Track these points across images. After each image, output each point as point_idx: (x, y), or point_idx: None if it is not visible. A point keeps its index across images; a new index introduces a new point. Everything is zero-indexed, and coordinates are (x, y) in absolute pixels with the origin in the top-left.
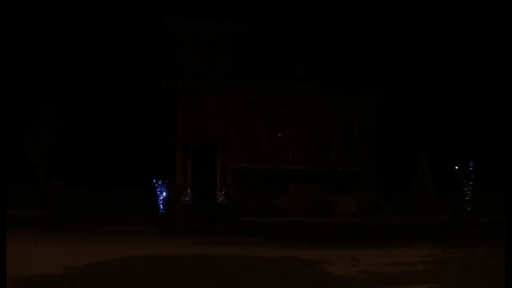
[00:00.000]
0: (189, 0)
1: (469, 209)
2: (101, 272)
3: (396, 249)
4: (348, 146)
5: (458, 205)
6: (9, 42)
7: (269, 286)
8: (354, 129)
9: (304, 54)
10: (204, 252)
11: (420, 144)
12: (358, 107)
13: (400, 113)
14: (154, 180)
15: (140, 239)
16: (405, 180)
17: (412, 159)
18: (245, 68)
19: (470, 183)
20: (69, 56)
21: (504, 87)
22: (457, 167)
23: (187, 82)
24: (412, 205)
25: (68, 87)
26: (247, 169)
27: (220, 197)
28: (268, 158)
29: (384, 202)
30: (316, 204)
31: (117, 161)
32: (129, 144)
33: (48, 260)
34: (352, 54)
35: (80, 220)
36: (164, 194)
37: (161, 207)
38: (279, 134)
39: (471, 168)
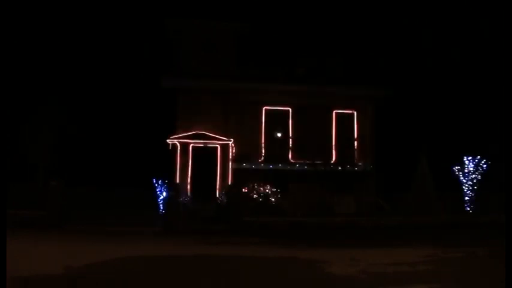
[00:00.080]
0: (189, 0)
1: (469, 209)
2: (101, 272)
3: (396, 249)
4: (348, 146)
5: (458, 205)
6: (10, 42)
7: (269, 286)
8: (354, 129)
9: (304, 54)
10: (204, 252)
11: (420, 144)
12: (358, 107)
13: (400, 113)
14: (154, 180)
15: (140, 239)
16: (405, 180)
17: (412, 159)
18: (245, 68)
19: (470, 183)
20: (70, 56)
21: (504, 87)
22: (457, 167)
23: (187, 82)
24: (412, 205)
25: (68, 87)
26: (247, 169)
27: (220, 197)
28: (268, 158)
29: (384, 202)
30: (316, 204)
31: (117, 161)
32: (129, 144)
33: (48, 260)
34: (352, 55)
35: (80, 220)
36: (164, 194)
37: (161, 207)
38: (279, 134)
39: (471, 169)
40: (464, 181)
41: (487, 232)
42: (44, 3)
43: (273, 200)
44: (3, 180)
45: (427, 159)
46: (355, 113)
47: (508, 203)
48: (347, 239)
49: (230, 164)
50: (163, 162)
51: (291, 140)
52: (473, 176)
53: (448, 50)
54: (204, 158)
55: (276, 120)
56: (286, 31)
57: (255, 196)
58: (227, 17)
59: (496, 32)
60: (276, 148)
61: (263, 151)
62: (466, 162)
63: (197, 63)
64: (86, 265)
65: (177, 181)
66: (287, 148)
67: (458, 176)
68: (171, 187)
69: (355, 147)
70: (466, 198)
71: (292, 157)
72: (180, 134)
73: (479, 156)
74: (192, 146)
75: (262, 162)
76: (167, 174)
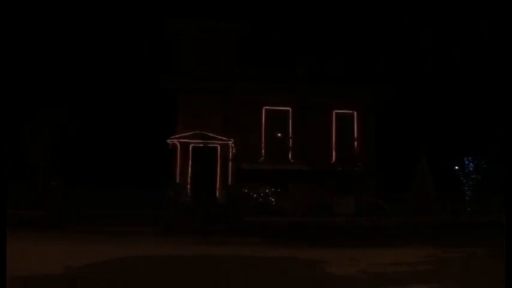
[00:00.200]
0: (189, 0)
1: (469, 209)
2: (101, 272)
3: (396, 249)
4: (348, 146)
5: (458, 205)
6: (10, 42)
7: (269, 286)
8: (354, 129)
9: (304, 54)
10: (204, 252)
11: (420, 144)
12: (358, 107)
13: (400, 113)
14: (154, 180)
15: (140, 239)
16: (405, 180)
17: (412, 159)
18: (245, 68)
19: (470, 183)
20: (70, 56)
21: (504, 87)
22: (457, 167)
23: (187, 82)
24: (412, 205)
25: (68, 87)
26: (247, 169)
27: (220, 197)
28: (268, 158)
29: (384, 202)
30: (316, 204)
31: (117, 161)
32: (129, 144)
33: (48, 260)
34: (352, 55)
35: (80, 220)
36: (164, 194)
37: (161, 207)
38: (279, 134)
39: (471, 169)
40: (464, 181)
41: (487, 232)
42: (44, 4)
43: (273, 200)
44: (3, 180)
45: (427, 159)
46: (355, 113)
47: (508, 203)
48: (347, 239)
49: (230, 164)
50: (163, 162)
51: (291, 140)
52: (473, 176)
53: (448, 50)
54: (204, 158)
55: (276, 120)
56: (286, 31)
57: (255, 196)
58: (227, 17)
59: (496, 32)
60: (276, 148)
61: (263, 151)
62: (466, 162)
63: (197, 63)
64: (86, 265)
65: (177, 181)
66: (287, 148)
67: (458, 176)
68: (171, 187)
69: (355, 147)
70: (466, 198)
71: (292, 157)
72: (180, 134)
73: (479, 156)
74: (192, 146)
75: (262, 162)
76: (167, 174)
